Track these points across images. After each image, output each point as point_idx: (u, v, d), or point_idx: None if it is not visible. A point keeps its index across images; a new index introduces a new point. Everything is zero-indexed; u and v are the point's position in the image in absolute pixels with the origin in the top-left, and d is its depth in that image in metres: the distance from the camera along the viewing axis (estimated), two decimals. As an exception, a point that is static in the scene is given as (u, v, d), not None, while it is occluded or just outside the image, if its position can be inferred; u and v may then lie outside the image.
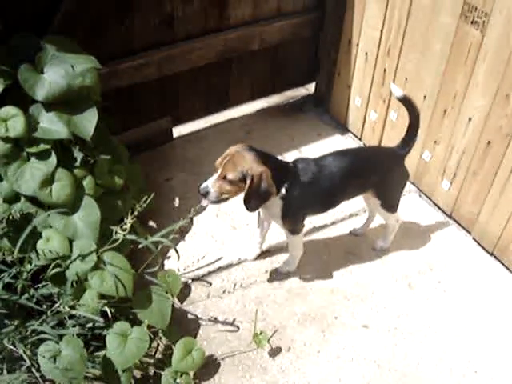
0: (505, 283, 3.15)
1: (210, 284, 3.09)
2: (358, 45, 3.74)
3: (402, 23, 3.31)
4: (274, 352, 2.80)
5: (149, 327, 2.52)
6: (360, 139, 4.04)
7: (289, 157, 3.81)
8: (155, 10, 3.31)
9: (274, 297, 3.04)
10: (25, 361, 2.35)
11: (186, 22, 3.48)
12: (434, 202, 3.56)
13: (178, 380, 2.53)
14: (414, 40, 3.28)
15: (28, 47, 2.63)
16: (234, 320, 2.93)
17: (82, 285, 2.50)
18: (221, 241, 3.32)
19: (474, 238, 3.36)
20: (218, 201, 2.65)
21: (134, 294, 2.58)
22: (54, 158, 2.58)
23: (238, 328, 2.90)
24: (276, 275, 3.14)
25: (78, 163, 2.72)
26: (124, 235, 2.46)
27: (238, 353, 2.79)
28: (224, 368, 2.73)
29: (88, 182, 2.69)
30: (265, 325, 2.90)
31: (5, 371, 2.37)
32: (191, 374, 2.59)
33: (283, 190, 2.69)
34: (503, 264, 3.22)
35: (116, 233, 2.48)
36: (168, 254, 3.19)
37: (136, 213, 2.46)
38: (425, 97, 3.32)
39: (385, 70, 3.57)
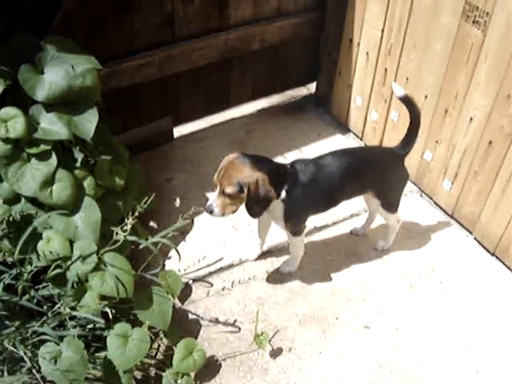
0: (506, 283, 3.14)
1: (211, 284, 3.09)
2: (359, 44, 3.73)
3: (403, 23, 3.30)
4: (275, 353, 2.80)
5: (149, 328, 2.51)
6: (361, 139, 4.03)
7: (290, 157, 3.81)
8: (155, 10, 3.31)
9: (275, 297, 3.03)
10: (25, 362, 2.34)
11: (187, 22, 3.47)
12: (435, 202, 3.55)
13: (178, 381, 2.53)
14: (415, 40, 3.27)
15: (28, 47, 2.62)
16: (235, 321, 2.92)
17: (83, 286, 2.49)
18: (222, 241, 3.31)
19: (475, 238, 3.35)
20: (226, 214, 2.64)
21: (135, 295, 2.57)
22: (54, 159, 2.57)
23: (239, 329, 2.89)
24: (277, 276, 3.13)
25: (78, 164, 2.72)
26: (125, 236, 2.46)
27: (239, 354, 2.79)
28: (225, 369, 2.73)
29: (88, 183, 2.69)
30: (266, 325, 2.89)
31: (5, 373, 2.36)
32: (192, 374, 2.59)
33: (283, 193, 2.67)
34: (505, 264, 3.21)
35: (117, 234, 2.47)
36: (169, 255, 3.18)
37: (137, 213, 2.46)
38: (426, 96, 3.31)
39: (386, 70, 3.56)
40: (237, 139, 4.00)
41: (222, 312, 2.96)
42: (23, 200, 2.62)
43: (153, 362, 2.68)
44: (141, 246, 2.68)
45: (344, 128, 4.14)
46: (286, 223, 2.81)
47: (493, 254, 3.27)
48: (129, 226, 2.43)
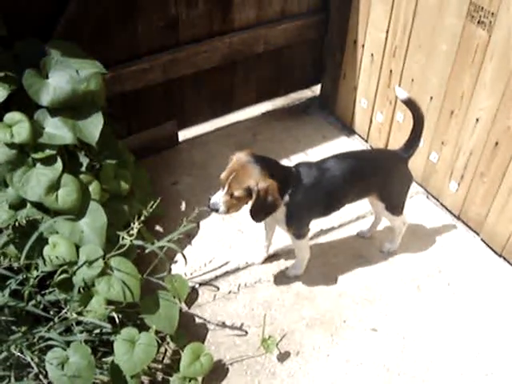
0: (514, 285, 3.13)
1: (218, 288, 3.08)
2: (363, 46, 3.72)
3: (408, 24, 3.29)
4: (283, 356, 2.79)
5: (156, 332, 2.50)
6: (366, 141, 4.02)
7: (295, 159, 3.80)
8: (160, 14, 3.31)
9: (281, 301, 3.02)
10: (32, 368, 2.33)
11: (191, 26, 3.47)
12: (441, 204, 3.54)
13: (186, 385, 2.52)
14: (419, 41, 3.26)
15: (32, 52, 2.63)
16: (241, 324, 2.91)
17: (89, 291, 2.49)
18: (228, 245, 3.30)
19: (482, 240, 3.33)
20: (230, 213, 2.65)
21: (142, 300, 2.57)
22: (59, 164, 2.57)
23: (246, 332, 2.88)
24: (283, 279, 3.12)
25: (83, 168, 2.72)
26: (131, 240, 2.45)
27: (247, 357, 2.78)
28: (232, 373, 2.72)
29: (94, 188, 2.69)
30: (273, 329, 2.88)
31: (12, 378, 2.34)
32: (199, 379, 2.58)
33: (286, 197, 2.66)
34: (512, 265, 3.20)
35: (123, 238, 2.47)
36: (175, 259, 3.18)
37: (142, 218, 2.45)
38: (431, 98, 3.30)
39: (391, 72, 3.55)
40: (242, 142, 3.99)
41: (229, 316, 2.95)
42: (29, 205, 2.62)
43: (160, 366, 2.68)
44: (147, 251, 2.68)
45: (349, 130, 4.13)
46: (288, 226, 2.81)
47: (500, 255, 3.25)
48: (135, 231, 2.43)
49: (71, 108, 2.62)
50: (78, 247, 2.56)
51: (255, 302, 3.01)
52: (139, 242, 2.56)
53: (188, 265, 3.03)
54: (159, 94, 3.61)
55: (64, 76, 2.57)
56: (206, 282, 3.11)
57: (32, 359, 2.32)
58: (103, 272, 2.48)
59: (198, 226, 3.37)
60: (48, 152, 2.56)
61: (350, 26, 3.78)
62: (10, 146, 2.51)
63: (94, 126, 2.64)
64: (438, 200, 3.56)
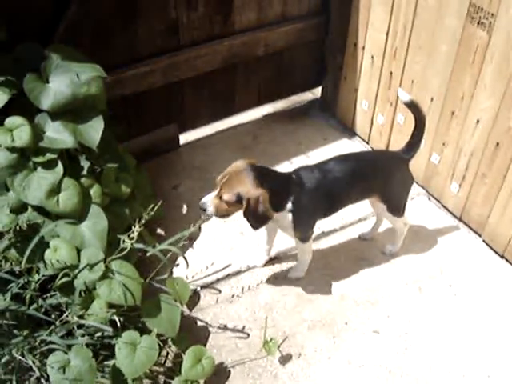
0: (516, 286, 3.13)
1: (219, 291, 3.08)
2: (363, 48, 3.72)
3: (408, 25, 3.29)
4: (285, 359, 2.78)
5: (158, 335, 2.50)
6: (367, 143, 4.02)
7: (296, 161, 3.81)
8: (160, 17, 3.31)
9: (283, 303, 3.02)
10: (34, 371, 2.34)
11: (191, 29, 3.47)
12: (443, 205, 3.53)
13: (188, 388, 2.52)
14: (420, 42, 3.26)
15: (33, 56, 2.64)
16: (243, 327, 2.91)
17: (91, 294, 2.49)
18: (229, 247, 3.30)
19: (484, 241, 3.33)
20: (218, 216, 2.65)
21: (143, 303, 2.57)
22: (60, 168, 2.58)
23: (248, 335, 2.88)
24: (285, 281, 3.12)
25: (84, 172, 2.73)
26: (132, 244, 2.45)
27: (248, 360, 2.77)
28: (234, 376, 2.72)
29: (95, 191, 2.69)
30: (275, 331, 2.88)
31: (14, 382, 2.35)
32: (201, 382, 2.57)
33: (289, 205, 2.67)
34: (514, 266, 3.20)
35: (124, 241, 2.47)
36: (177, 262, 3.18)
37: (143, 221, 2.45)
38: (432, 99, 3.30)
39: (391, 73, 3.55)
40: (243, 145, 4.00)
41: (231, 319, 2.95)
42: (30, 209, 2.62)
43: (162, 369, 2.67)
44: (148, 254, 2.68)
45: (350, 132, 4.13)
46: (295, 232, 2.81)
47: (502, 257, 3.24)
48: (135, 234, 2.43)
49: (72, 112, 2.62)
50: (79, 251, 2.56)
51: (257, 305, 3.01)
52: (140, 245, 2.56)
53: (189, 268, 3.03)
54: (160, 97, 3.62)
55: (64, 80, 2.57)
56: (207, 284, 3.10)
57: (33, 363, 2.33)
58: (104, 275, 2.48)
59: (200, 229, 3.37)
60: (49, 156, 2.57)
61: (350, 28, 3.79)
62: (11, 150, 2.51)
63: (94, 130, 2.65)
64: (439, 201, 3.56)
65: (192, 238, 3.31)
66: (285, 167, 3.74)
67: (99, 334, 2.51)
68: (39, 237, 2.50)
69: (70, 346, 2.37)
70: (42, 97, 2.52)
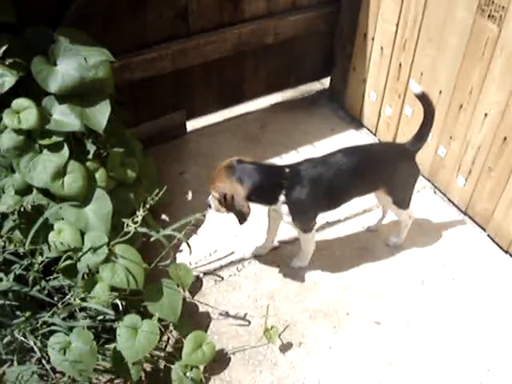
0: (520, 281, 3.12)
1: (222, 278, 3.09)
2: (373, 39, 3.71)
3: (418, 17, 3.27)
4: (285, 347, 2.79)
5: (159, 320, 2.52)
6: (375, 134, 4.00)
7: (302, 151, 3.81)
8: (169, 3, 3.30)
9: (285, 292, 3.03)
10: (35, 352, 2.36)
11: (201, 16, 3.46)
12: (448, 199, 3.52)
13: (187, 373, 2.53)
14: (429, 34, 3.24)
15: (41, 40, 2.64)
16: (245, 314, 2.92)
17: (93, 277, 2.51)
18: (233, 235, 3.31)
19: (488, 235, 3.32)
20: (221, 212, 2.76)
21: (145, 287, 2.58)
22: (66, 151, 2.59)
23: (249, 322, 2.89)
24: (288, 270, 3.13)
25: (90, 156, 2.73)
26: (135, 228, 2.46)
27: (249, 347, 2.79)
28: (234, 362, 2.73)
29: (100, 175, 2.70)
30: (276, 320, 2.89)
31: (15, 362, 2.38)
32: (201, 367, 2.59)
33: (282, 197, 2.69)
34: (518, 262, 3.19)
35: (127, 225, 2.48)
36: (180, 248, 3.19)
37: (148, 205, 2.46)
38: (440, 92, 3.28)
39: (400, 65, 3.53)
40: (250, 133, 4.00)
41: (233, 305, 2.96)
42: (35, 191, 2.63)
43: (162, 354, 2.68)
44: (152, 239, 2.69)
45: (358, 123, 4.12)
46: (294, 222, 2.81)
47: (506, 252, 3.23)
48: (139, 218, 2.43)
49: (79, 95, 2.63)
50: (83, 234, 2.57)
51: (259, 293, 3.02)
52: (144, 230, 2.57)
53: (193, 254, 3.04)
54: (168, 83, 3.61)
55: (72, 63, 2.58)
56: (210, 271, 3.12)
57: (35, 344, 2.35)
58: (108, 259, 2.48)
59: (204, 216, 3.38)
60: (55, 139, 2.58)
61: (360, 18, 3.76)
62: (18, 131, 2.52)
63: (101, 114, 2.65)
64: (445, 195, 3.54)
65: (196, 225, 3.31)
66: (291, 156, 3.74)
67: (101, 317, 2.53)
68: (43, 219, 2.51)
69: (71, 328, 2.38)
70: (50, 79, 2.53)
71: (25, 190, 2.62)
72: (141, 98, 3.56)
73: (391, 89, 3.69)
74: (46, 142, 2.56)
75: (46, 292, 2.51)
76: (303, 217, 2.83)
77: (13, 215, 2.55)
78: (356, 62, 3.96)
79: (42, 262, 2.51)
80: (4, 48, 2.49)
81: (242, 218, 2.68)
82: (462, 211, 3.45)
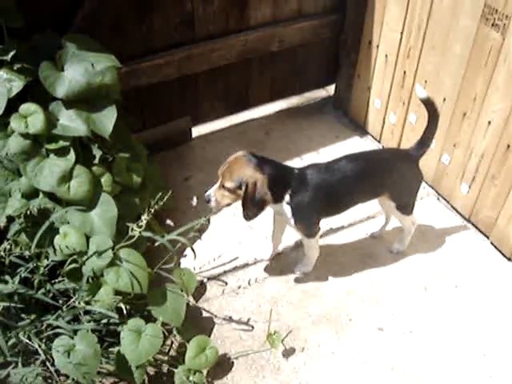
0: (522, 289, 3.12)
1: (226, 283, 3.10)
2: (378, 47, 3.73)
3: (423, 25, 3.29)
4: (288, 352, 2.80)
5: (163, 325, 2.53)
6: (379, 142, 4.02)
7: (307, 158, 3.82)
8: (176, 10, 3.33)
9: (288, 297, 3.04)
10: (40, 355, 2.38)
11: (207, 22, 3.49)
12: (452, 206, 3.53)
13: (191, 378, 2.54)
14: (434, 42, 3.26)
15: (49, 45, 2.67)
16: (248, 319, 2.93)
17: (98, 281, 2.52)
18: (237, 240, 3.32)
19: (492, 243, 3.32)
20: (221, 206, 2.73)
21: (149, 292, 2.60)
22: (72, 155, 2.61)
23: (253, 327, 2.90)
24: (291, 276, 3.14)
25: (96, 161, 2.75)
26: (140, 232, 2.48)
27: (252, 352, 2.80)
28: (237, 367, 2.74)
29: (106, 180, 2.72)
30: (279, 325, 2.90)
31: (20, 364, 2.39)
32: (204, 372, 2.60)
33: (287, 197, 2.70)
34: (521, 269, 3.19)
35: (132, 229, 2.49)
36: (184, 253, 3.21)
37: (152, 210, 2.48)
38: (444, 99, 3.30)
39: (404, 72, 3.55)
40: (255, 140, 4.02)
41: (236, 310, 2.97)
42: (41, 195, 2.66)
43: (166, 358, 2.70)
44: (157, 244, 2.71)
45: (362, 130, 4.14)
46: (297, 226, 2.82)
47: (509, 259, 3.24)
48: (144, 222, 2.45)
49: (86, 100, 2.66)
50: (88, 237, 2.59)
51: (262, 298, 3.03)
52: (148, 234, 2.59)
53: (197, 259, 3.06)
54: (174, 89, 3.64)
55: (79, 69, 2.61)
56: (214, 276, 3.13)
57: (39, 346, 2.37)
58: (112, 263, 2.51)
59: (209, 222, 3.40)
60: (61, 143, 2.60)
61: (365, 26, 3.79)
62: (25, 136, 2.55)
63: (107, 119, 2.68)
64: (448, 202, 3.55)
65: (201, 230, 3.33)
66: (295, 163, 3.75)
67: (105, 320, 2.55)
68: (49, 222, 2.54)
69: (75, 331, 2.40)
70: (57, 85, 2.56)
71: (31, 194, 2.64)
72: (147, 103, 3.60)
73: (395, 96, 3.71)
74: (52, 146, 2.59)
75: (50, 295, 2.53)
76: (305, 221, 2.84)
77: (19, 218, 2.58)
78: (361, 70, 3.98)
79: (48, 265, 2.55)
80: (12, 53, 2.53)
81: (260, 208, 2.66)
82: (465, 218, 3.46)
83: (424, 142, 2.88)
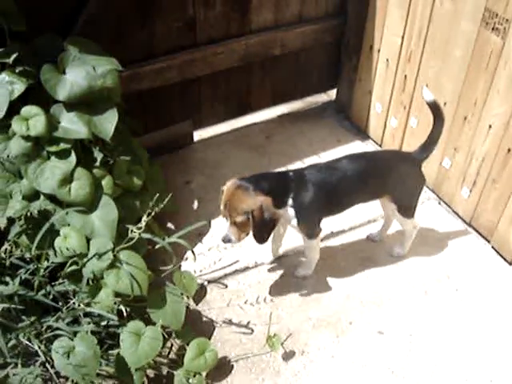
0: (523, 293, 3.12)
1: (226, 286, 3.11)
2: (379, 51, 3.74)
3: (423, 30, 3.30)
4: (288, 355, 2.80)
5: (163, 327, 2.53)
6: (380, 146, 4.02)
7: (308, 162, 3.81)
8: (177, 14, 3.35)
9: (289, 300, 3.04)
10: (39, 356, 2.38)
11: (208, 26, 3.50)
12: (453, 210, 3.53)
13: (190, 380, 2.54)
14: (434, 46, 3.27)
15: (51, 48, 2.69)
16: (248, 322, 2.93)
17: (98, 283, 2.53)
18: (237, 244, 3.31)
19: (493, 247, 3.32)
20: (242, 239, 2.73)
21: (149, 294, 2.60)
22: (73, 158, 2.62)
23: (252, 331, 2.90)
24: (292, 279, 3.14)
25: (97, 163, 2.77)
26: (139, 234, 2.48)
27: (252, 355, 2.80)
28: (237, 370, 2.74)
29: (107, 182, 2.73)
30: (279, 328, 2.90)
31: (19, 365, 2.40)
32: (204, 374, 2.60)
33: (290, 201, 2.71)
34: (522, 274, 3.19)
35: (132, 231, 2.50)
36: (185, 256, 3.21)
37: (153, 213, 2.48)
38: (445, 103, 3.30)
39: (406, 76, 3.56)
40: (256, 144, 4.02)
41: (236, 314, 2.97)
42: (42, 197, 2.67)
43: (165, 360, 2.70)
44: (157, 246, 2.71)
45: (363, 135, 4.14)
46: (299, 226, 2.83)
47: (510, 264, 3.24)
48: (143, 224, 2.46)
49: (87, 103, 2.67)
50: (88, 240, 2.60)
51: (262, 301, 3.03)
52: (148, 236, 2.59)
53: (197, 262, 3.07)
54: (176, 93, 3.65)
55: (81, 72, 2.62)
56: (214, 279, 3.13)
57: (39, 347, 2.37)
58: (112, 265, 2.52)
59: (210, 225, 3.40)
60: (63, 146, 2.62)
61: (366, 30, 3.80)
62: (26, 138, 2.56)
63: (108, 122, 2.69)
64: (449, 206, 3.55)
65: (201, 234, 3.34)
66: (297, 167, 3.72)
67: (105, 322, 2.55)
68: (50, 224, 2.54)
69: (75, 333, 2.40)
70: (59, 88, 2.57)
71: (32, 196, 2.65)
72: (148, 107, 3.60)
73: (396, 100, 3.71)
74: (53, 148, 2.60)
75: (51, 297, 2.53)
76: (308, 220, 2.84)
77: (20, 220, 2.59)
78: (362, 74, 3.99)
79: (48, 267, 2.55)
80: (14, 56, 2.55)
81: (272, 228, 2.66)
82: (466, 222, 3.46)
83: (428, 146, 2.88)
